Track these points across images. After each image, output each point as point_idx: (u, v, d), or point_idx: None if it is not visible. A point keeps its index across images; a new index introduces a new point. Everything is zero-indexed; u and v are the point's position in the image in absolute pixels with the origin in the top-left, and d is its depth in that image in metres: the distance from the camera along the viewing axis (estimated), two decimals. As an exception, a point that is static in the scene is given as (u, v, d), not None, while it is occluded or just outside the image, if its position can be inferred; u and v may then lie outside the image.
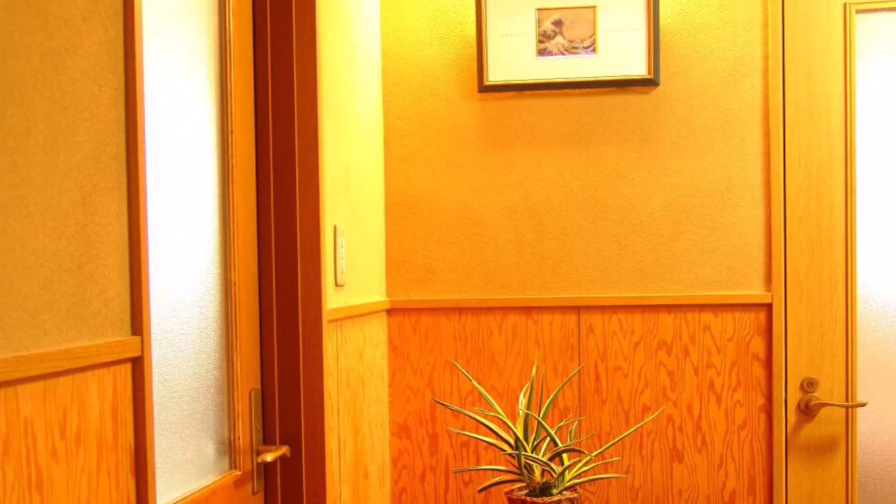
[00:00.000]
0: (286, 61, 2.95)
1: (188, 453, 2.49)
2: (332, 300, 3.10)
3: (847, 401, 3.68)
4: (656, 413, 3.72)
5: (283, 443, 2.93)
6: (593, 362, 3.74)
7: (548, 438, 3.35)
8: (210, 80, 2.66)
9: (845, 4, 3.66)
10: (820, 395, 3.67)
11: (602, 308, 3.74)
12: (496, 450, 3.64)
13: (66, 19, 1.73)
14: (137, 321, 1.94)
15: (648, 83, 3.70)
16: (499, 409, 3.47)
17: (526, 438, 3.34)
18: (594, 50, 3.72)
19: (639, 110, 3.73)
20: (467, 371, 3.78)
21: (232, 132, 2.73)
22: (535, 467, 3.32)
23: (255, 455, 2.83)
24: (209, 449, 2.62)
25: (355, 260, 3.40)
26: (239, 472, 2.74)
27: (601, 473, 3.60)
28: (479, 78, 3.77)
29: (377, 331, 3.68)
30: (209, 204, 2.63)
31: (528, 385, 3.48)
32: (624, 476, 3.74)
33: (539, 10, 3.74)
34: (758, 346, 3.67)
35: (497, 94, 3.79)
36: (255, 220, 2.90)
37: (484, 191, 3.81)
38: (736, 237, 3.69)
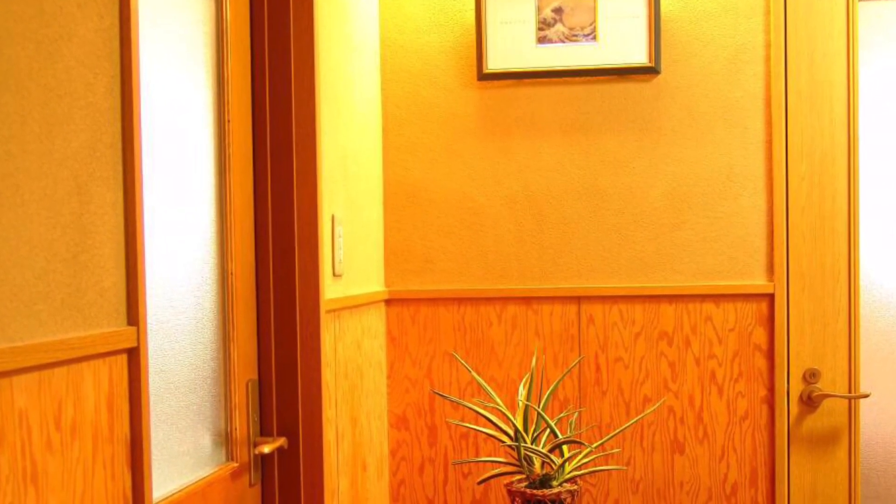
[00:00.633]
0: (283, 49, 2.93)
1: (184, 445, 2.48)
2: (330, 290, 3.08)
3: (850, 392, 3.66)
4: (657, 404, 3.70)
5: (280, 434, 2.92)
6: (594, 353, 3.73)
7: (548, 430, 3.34)
8: (207, 68, 2.65)
9: (848, -8, 3.65)
10: (822, 386, 3.66)
11: (602, 298, 3.73)
12: (496, 441, 3.63)
13: (61, 6, 1.72)
14: (133, 311, 1.93)
15: (649, 71, 3.68)
16: (498, 400, 3.45)
17: (526, 430, 3.33)
18: (594, 37, 3.69)
19: (639, 98, 3.71)
20: (466, 362, 3.76)
21: (229, 121, 2.72)
22: (534, 459, 3.30)
23: (252, 447, 2.82)
24: (206, 440, 2.61)
25: (353, 250, 3.38)
26: (236, 464, 2.74)
27: (601, 465, 3.59)
28: (479, 66, 3.75)
29: (375, 321, 3.66)
30: (206, 193, 2.63)
31: (527, 376, 3.46)
32: (624, 468, 3.73)
33: (539, -3, 3.73)
34: (760, 336, 3.65)
35: (496, 83, 3.77)
36: (252, 209, 2.89)
37: (483, 180, 3.78)
38: (738, 227, 3.67)
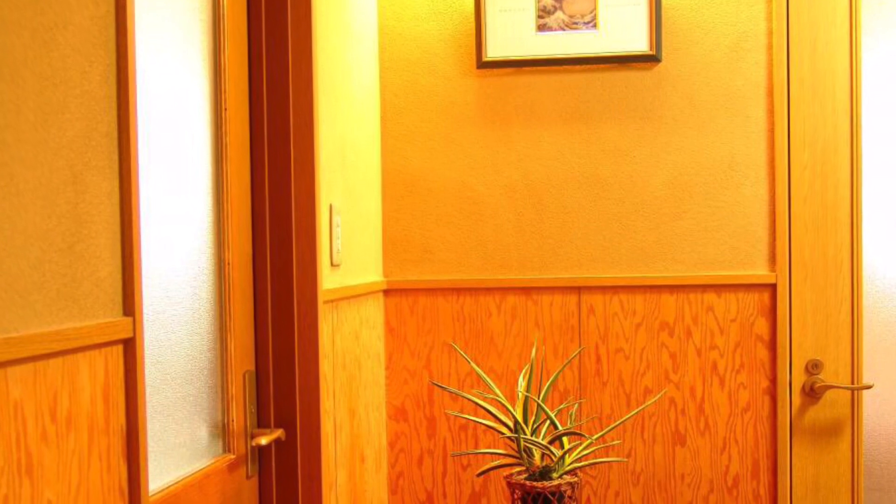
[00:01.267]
0: (281, 36, 2.92)
1: (181, 437, 2.48)
2: (328, 280, 3.08)
3: (853, 383, 3.65)
4: (658, 395, 3.69)
5: (277, 426, 2.91)
6: (594, 344, 3.71)
7: (547, 421, 3.32)
8: (203, 55, 2.64)
9: (851, -21, 3.63)
10: (825, 377, 3.64)
11: (603, 288, 3.71)
12: (495, 433, 3.61)
13: (56, -7, 1.71)
14: (129, 302, 1.92)
15: (650, 59, 3.66)
16: (498, 391, 3.43)
17: (525, 421, 3.31)
18: (595, 25, 3.67)
19: (640, 87, 3.69)
20: (466, 353, 3.75)
21: (226, 109, 2.71)
22: (534, 451, 3.29)
23: (249, 438, 2.81)
24: (202, 432, 2.60)
25: (351, 239, 3.37)
26: (233, 456, 2.73)
27: (602, 457, 3.59)
28: (478, 54, 3.73)
29: (374, 312, 3.65)
30: (202, 182, 2.62)
31: (527, 367, 3.44)
32: (625, 460, 3.72)
33: (538, -16, 3.71)
34: (762, 327, 3.64)
35: (496, 71, 3.75)
36: (249, 198, 2.87)
37: (482, 169, 3.77)
38: (739, 216, 3.65)
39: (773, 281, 3.63)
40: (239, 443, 2.75)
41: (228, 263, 2.70)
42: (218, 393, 2.68)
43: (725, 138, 3.66)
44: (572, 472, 3.31)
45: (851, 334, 3.63)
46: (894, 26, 3.66)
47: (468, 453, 3.73)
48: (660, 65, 3.69)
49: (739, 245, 3.66)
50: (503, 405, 3.39)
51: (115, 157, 1.88)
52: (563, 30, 3.69)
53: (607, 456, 3.68)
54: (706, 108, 3.67)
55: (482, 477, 3.77)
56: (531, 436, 3.31)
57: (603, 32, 3.68)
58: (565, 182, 3.74)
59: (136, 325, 1.93)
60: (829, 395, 3.65)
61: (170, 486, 2.35)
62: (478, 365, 3.73)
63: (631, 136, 3.70)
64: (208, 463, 2.59)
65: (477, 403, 3.40)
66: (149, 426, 2.25)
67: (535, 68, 3.73)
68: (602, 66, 3.71)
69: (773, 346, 3.64)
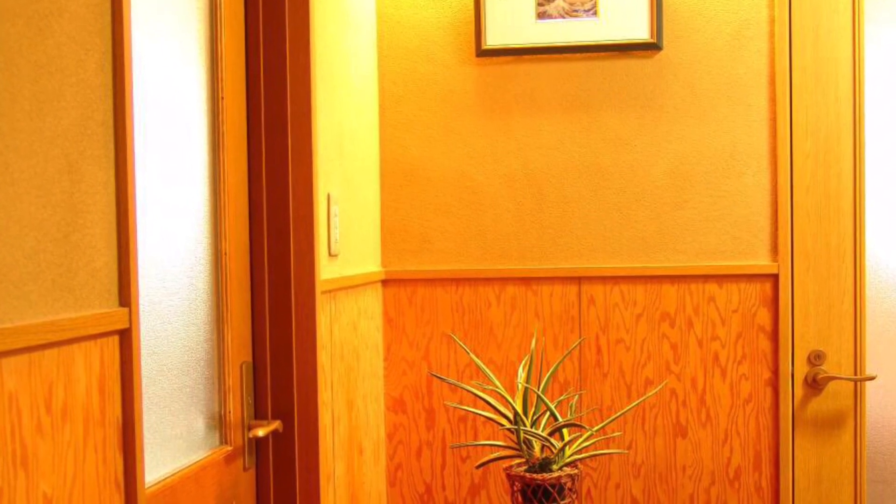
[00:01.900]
0: (278, 24, 2.91)
1: (177, 428, 2.47)
2: (326, 271, 3.07)
3: (855, 374, 3.64)
4: (659, 387, 3.68)
5: (275, 417, 2.91)
6: (594, 334, 3.69)
7: (547, 413, 3.31)
8: (200, 44, 2.64)
9: (853, -34, 3.61)
10: (827, 368, 3.63)
11: (603, 279, 3.69)
12: (494, 424, 3.60)
13: (51, -20, 1.71)
14: (125, 292, 1.92)
15: (651, 47, 3.65)
16: (497, 382, 3.41)
17: (525, 413, 3.30)
18: (595, 13, 3.66)
19: (641, 75, 3.67)
20: (465, 343, 3.73)
21: (222, 98, 2.71)
22: (534, 442, 3.27)
23: (246, 430, 2.81)
24: (199, 424, 2.60)
25: (349, 229, 3.36)
26: (230, 448, 2.72)
27: (602, 449, 3.58)
28: (477, 42, 3.71)
29: (372, 302, 3.63)
30: (199, 172, 2.61)
31: (527, 358, 3.42)
32: (626, 452, 3.71)
33: (538, -28, 3.69)
34: (764, 317, 3.62)
35: (495, 59, 3.73)
36: (246, 188, 2.87)
37: (482, 158, 3.75)
38: (741, 206, 3.63)
39: (775, 271, 3.62)
40: (236, 434, 2.75)
41: (225, 253, 2.69)
42: (215, 384, 2.67)
43: (727, 127, 3.64)
44: (572, 463, 3.29)
45: (854, 325, 3.61)
46: (897, 14, 3.65)
47: (467, 445, 3.72)
48: (661, 53, 3.67)
49: (741, 235, 3.64)
50: (503, 396, 3.37)
51: (111, 146, 1.88)
52: (563, 17, 3.67)
53: (608, 448, 3.67)
54: (707, 97, 3.65)
55: (481, 469, 3.76)
56: (531, 427, 3.29)
57: (603, 20, 3.66)
58: (565, 171, 3.72)
59: (132, 316, 1.92)
60: (831, 386, 3.64)
61: (166, 479, 2.34)
62: (477, 356, 3.71)
63: (632, 124, 3.68)
64: (205, 455, 2.58)
65: (476, 395, 3.38)
66: (145, 418, 2.24)
67: (534, 56, 3.71)
68: (602, 54, 3.69)
69: (775, 336, 3.62)
